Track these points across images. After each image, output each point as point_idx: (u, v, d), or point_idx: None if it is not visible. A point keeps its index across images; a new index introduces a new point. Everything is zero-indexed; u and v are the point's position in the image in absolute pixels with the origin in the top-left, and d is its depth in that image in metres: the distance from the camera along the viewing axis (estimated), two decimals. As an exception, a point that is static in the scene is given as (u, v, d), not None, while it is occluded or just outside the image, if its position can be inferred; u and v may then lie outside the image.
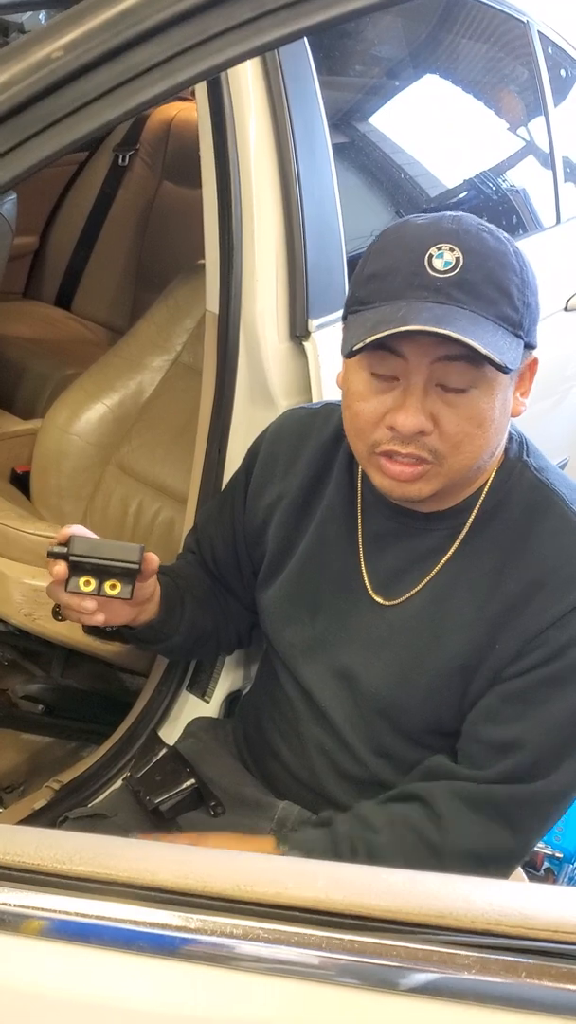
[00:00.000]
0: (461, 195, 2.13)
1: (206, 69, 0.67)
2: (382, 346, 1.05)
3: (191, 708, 1.67)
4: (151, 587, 1.29)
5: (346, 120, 1.97)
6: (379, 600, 1.24)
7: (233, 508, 1.40)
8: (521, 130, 2.35)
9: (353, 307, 1.11)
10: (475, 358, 1.02)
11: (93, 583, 1.18)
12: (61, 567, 1.18)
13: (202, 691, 1.66)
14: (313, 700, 1.29)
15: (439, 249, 1.03)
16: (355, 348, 1.05)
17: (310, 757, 1.31)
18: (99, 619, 1.22)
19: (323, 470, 1.31)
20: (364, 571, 1.26)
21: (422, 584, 1.21)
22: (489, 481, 1.19)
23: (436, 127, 2.11)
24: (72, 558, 1.17)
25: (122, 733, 1.73)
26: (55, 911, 0.57)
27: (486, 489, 1.19)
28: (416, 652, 1.21)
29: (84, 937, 0.57)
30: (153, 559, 1.23)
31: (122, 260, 3.16)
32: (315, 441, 1.32)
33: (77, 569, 1.18)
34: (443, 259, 1.03)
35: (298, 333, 1.53)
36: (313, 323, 1.53)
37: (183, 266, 2.29)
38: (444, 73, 2.17)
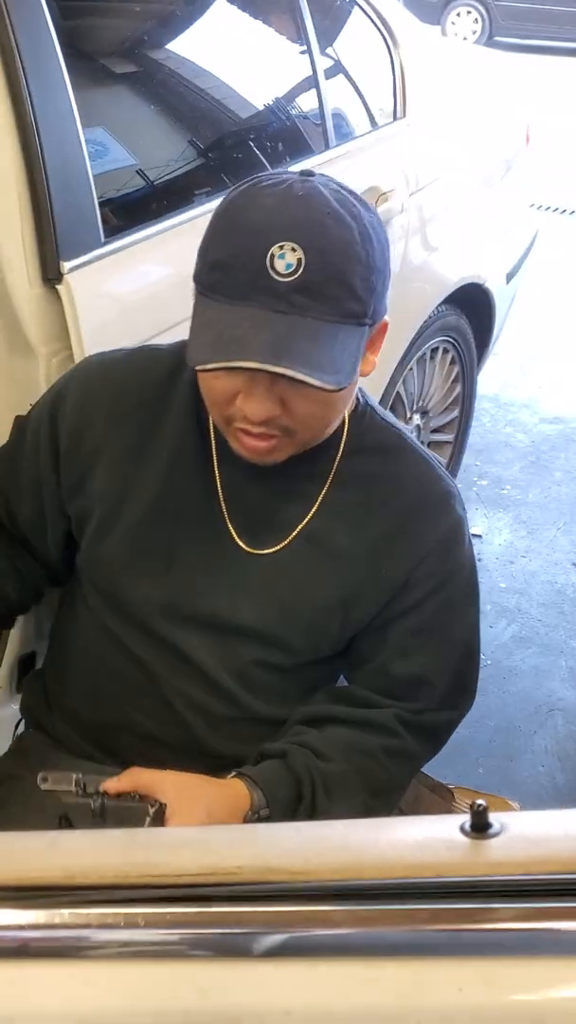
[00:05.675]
0: (248, 124, 2.08)
1: None
2: None
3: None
4: None
5: (131, 49, 1.92)
6: (251, 549, 1.24)
7: (38, 462, 1.30)
8: (287, 54, 2.31)
9: (200, 288, 1.10)
10: None
11: None
12: None
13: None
14: (180, 653, 1.26)
15: (281, 249, 1.02)
16: (197, 370, 1.09)
17: (177, 713, 1.28)
18: None
19: (157, 413, 1.26)
20: (228, 520, 1.24)
21: (297, 529, 1.23)
22: (346, 426, 1.24)
23: (222, 54, 2.05)
24: None
25: None
26: None
27: (344, 434, 1.24)
28: (297, 593, 1.24)
29: None
30: None
31: None
32: (140, 383, 1.26)
33: None
34: (284, 260, 1.02)
35: (50, 277, 1.47)
36: (66, 265, 1.47)
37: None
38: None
